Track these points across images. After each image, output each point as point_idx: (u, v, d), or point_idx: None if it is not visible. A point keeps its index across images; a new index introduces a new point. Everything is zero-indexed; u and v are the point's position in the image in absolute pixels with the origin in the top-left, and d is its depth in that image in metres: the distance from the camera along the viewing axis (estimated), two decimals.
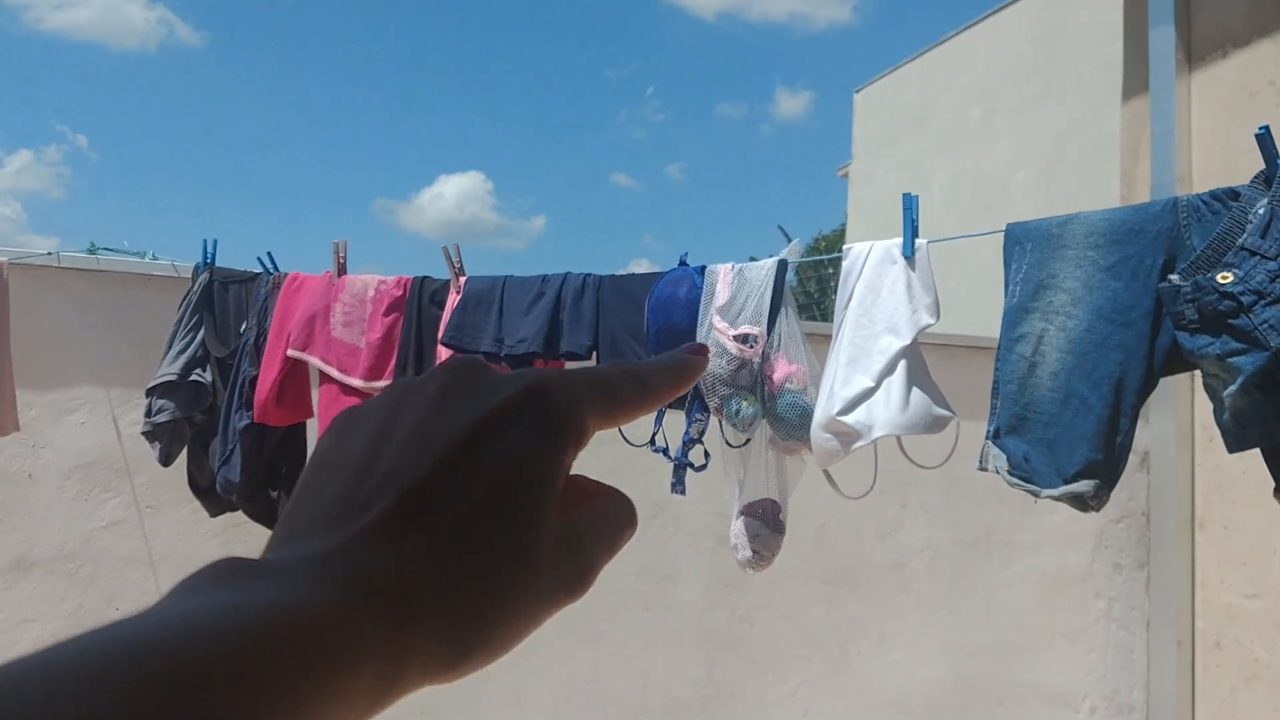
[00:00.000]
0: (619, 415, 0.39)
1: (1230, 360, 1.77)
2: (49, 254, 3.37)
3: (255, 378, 3.11)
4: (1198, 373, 1.93)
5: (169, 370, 3.15)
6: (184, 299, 3.26)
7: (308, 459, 0.38)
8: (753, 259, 2.58)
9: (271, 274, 3.24)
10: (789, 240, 2.55)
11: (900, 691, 4.26)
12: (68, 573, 3.38)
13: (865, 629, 4.25)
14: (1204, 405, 4.20)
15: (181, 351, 3.19)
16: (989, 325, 4.31)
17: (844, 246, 2.38)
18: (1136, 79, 4.43)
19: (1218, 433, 4.23)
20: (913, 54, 10.43)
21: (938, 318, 2.22)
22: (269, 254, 3.26)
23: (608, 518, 0.38)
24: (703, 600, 4.07)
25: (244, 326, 3.23)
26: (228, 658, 0.25)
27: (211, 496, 3.28)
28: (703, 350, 0.43)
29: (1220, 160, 3.95)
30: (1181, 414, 4.20)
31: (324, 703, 0.27)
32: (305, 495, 0.34)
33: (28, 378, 3.24)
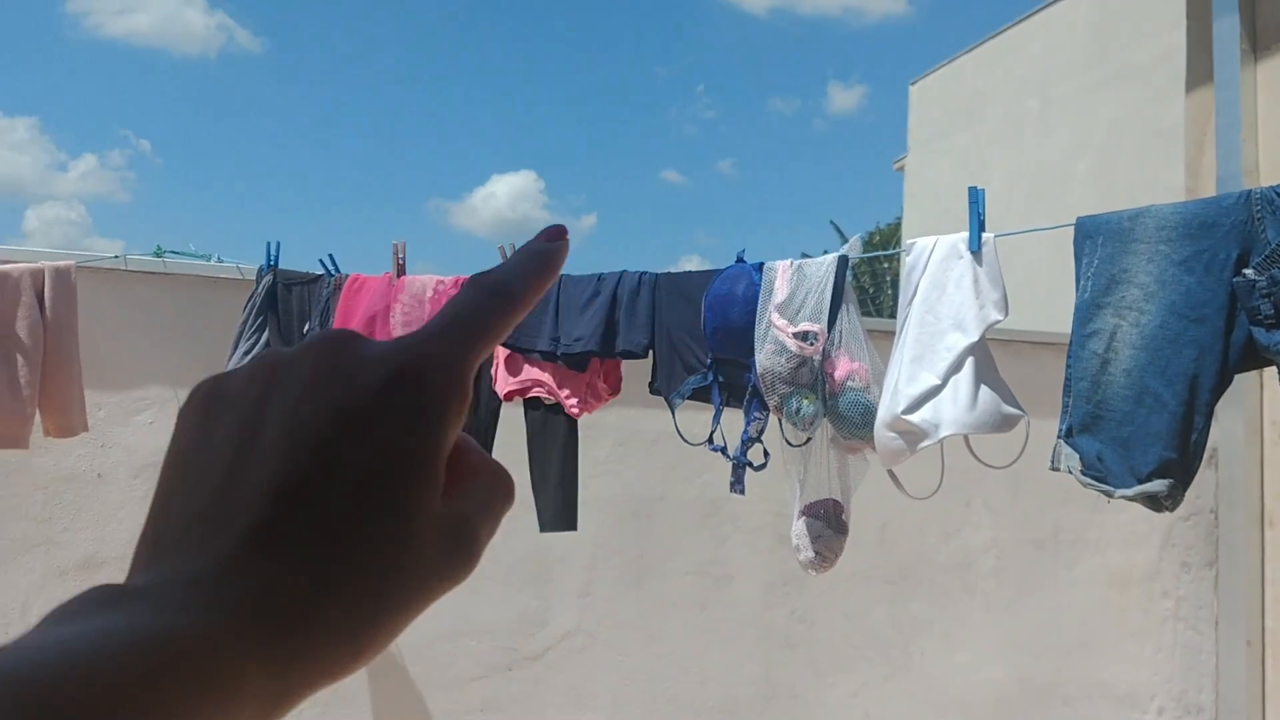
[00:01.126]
0: (496, 340, 0.36)
1: None
2: (116, 257, 3.43)
3: None
4: (1269, 369, 1.88)
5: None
6: (248, 300, 3.30)
7: (168, 446, 0.35)
8: (805, 255, 2.56)
9: (333, 275, 3.28)
10: (842, 235, 2.53)
11: (964, 692, 4.20)
12: None
13: (928, 629, 4.20)
14: (1273, 401, 4.10)
15: (247, 352, 3.23)
16: (1049, 320, 4.24)
17: (907, 241, 2.35)
18: (1200, 69, 4.33)
19: None
20: (968, 45, 10.29)
21: (1006, 314, 2.18)
22: (330, 256, 3.30)
23: (489, 496, 0.36)
24: (761, 600, 4.04)
25: (306, 327, 3.26)
26: (96, 685, 0.24)
27: None
28: (561, 234, 0.39)
29: None
30: (1250, 410, 4.10)
31: None
32: (170, 499, 0.32)
33: (96, 379, 3.29)
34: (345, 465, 0.31)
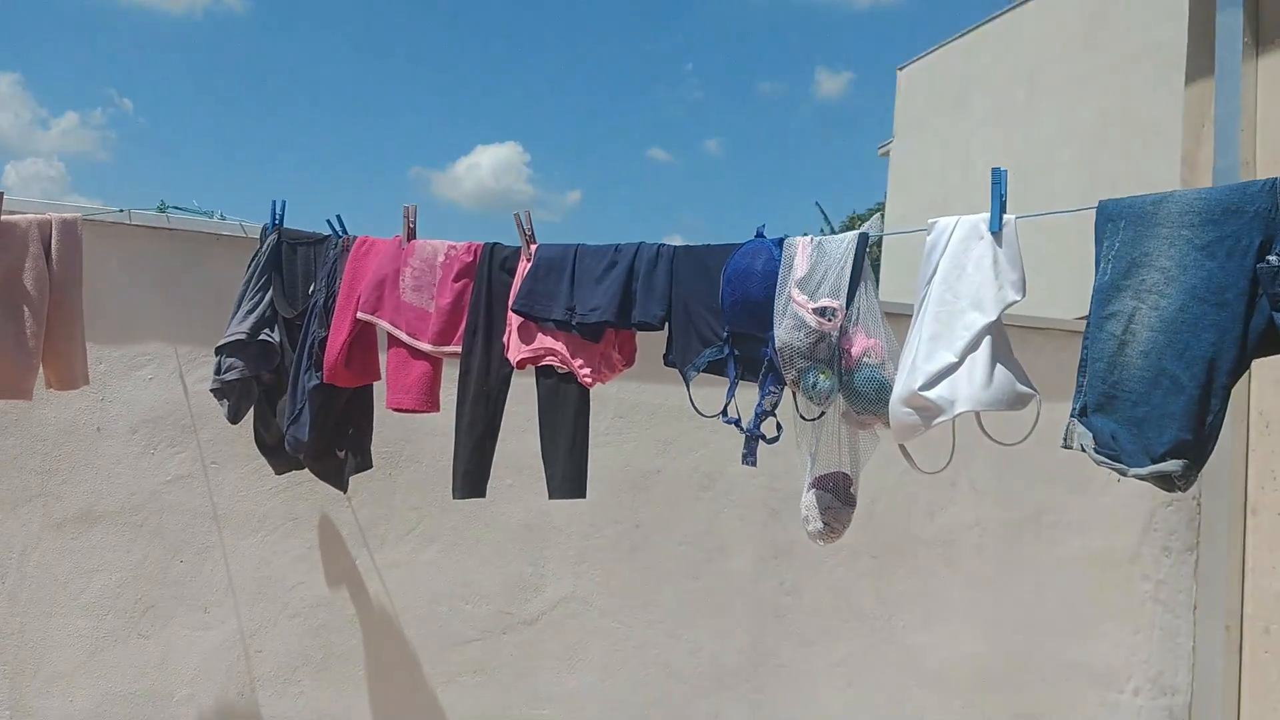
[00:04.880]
0: None
1: None
2: (120, 210, 3.41)
3: (325, 339, 3.14)
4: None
5: (238, 329, 3.18)
6: (252, 259, 3.28)
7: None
8: (786, 238, 2.58)
9: (340, 236, 3.27)
10: (827, 219, 2.55)
11: (944, 665, 4.29)
12: (134, 524, 3.45)
13: (912, 604, 4.27)
14: (1260, 391, 4.19)
15: (250, 311, 3.22)
16: (1038, 306, 4.30)
17: (928, 220, 2.38)
18: (1200, 62, 4.39)
19: (1274, 418, 4.21)
20: (958, 31, 10.35)
21: (1024, 295, 2.22)
22: (338, 216, 3.29)
23: None
24: (752, 571, 4.10)
25: (312, 288, 3.25)
26: None
27: (278, 454, 3.32)
28: None
29: None
30: (1237, 400, 4.19)
31: None
32: None
33: (98, 332, 3.27)
34: None
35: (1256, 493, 4.20)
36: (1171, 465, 2.00)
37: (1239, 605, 4.25)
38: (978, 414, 2.30)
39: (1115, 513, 4.45)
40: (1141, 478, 2.04)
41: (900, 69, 11.36)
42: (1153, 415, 2.02)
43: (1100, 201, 2.17)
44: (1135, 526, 4.47)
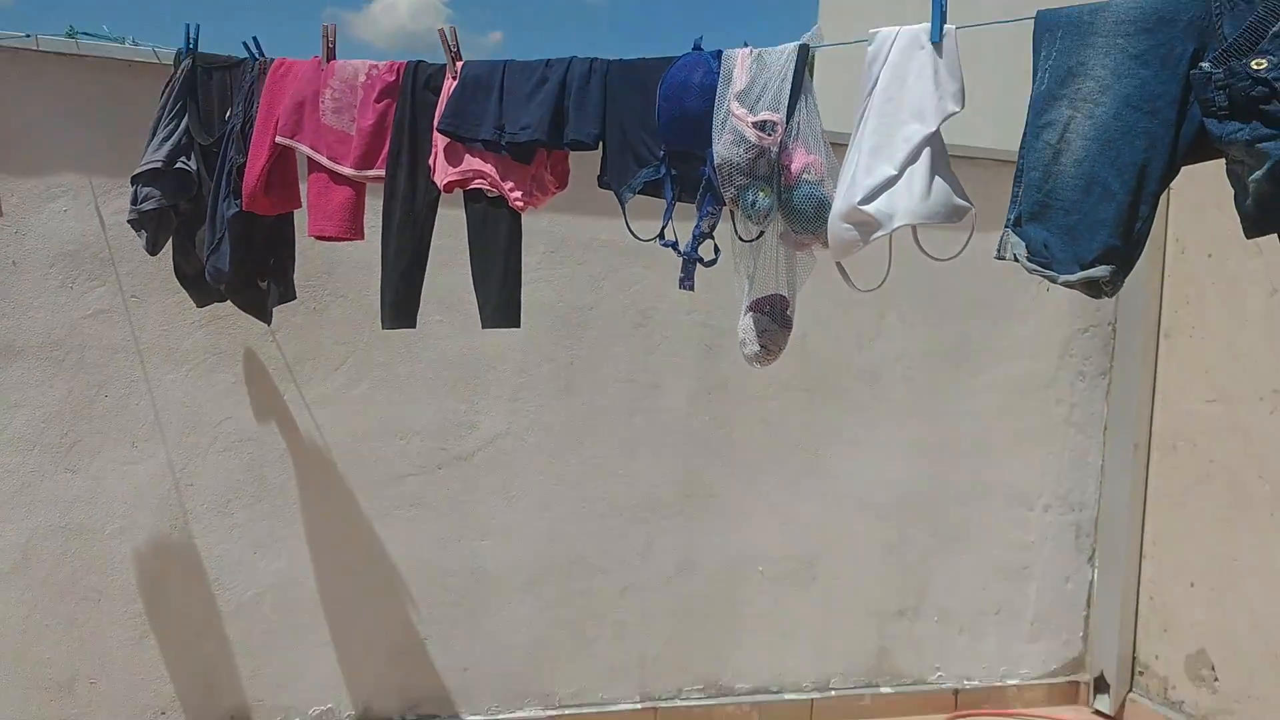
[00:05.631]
0: None
1: (1260, 145, 1.80)
2: (27, 36, 3.22)
3: (243, 165, 3.03)
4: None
5: (154, 158, 3.06)
6: (166, 86, 3.13)
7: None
8: (725, 51, 2.51)
9: (257, 60, 3.12)
10: None
11: (868, 491, 4.43)
12: (55, 359, 3.37)
13: (839, 434, 4.38)
14: (1176, 217, 4.28)
15: (166, 139, 3.08)
16: (966, 135, 4.30)
17: (869, 31, 2.34)
18: None
19: (1190, 244, 4.33)
20: None
21: (963, 106, 2.21)
22: (254, 39, 3.13)
23: None
24: (686, 406, 4.16)
25: (229, 114, 3.12)
26: None
27: (199, 286, 3.24)
28: None
29: None
30: (1155, 224, 4.28)
31: None
32: None
33: (8, 164, 3.16)
34: None
35: (1170, 316, 4.34)
36: (1099, 271, 2.04)
37: (1149, 425, 4.44)
38: (914, 230, 2.32)
39: (1033, 340, 4.57)
40: (1070, 285, 2.08)
41: None
42: (1084, 223, 2.05)
43: (1039, 11, 2.15)
44: (1052, 353, 4.60)
